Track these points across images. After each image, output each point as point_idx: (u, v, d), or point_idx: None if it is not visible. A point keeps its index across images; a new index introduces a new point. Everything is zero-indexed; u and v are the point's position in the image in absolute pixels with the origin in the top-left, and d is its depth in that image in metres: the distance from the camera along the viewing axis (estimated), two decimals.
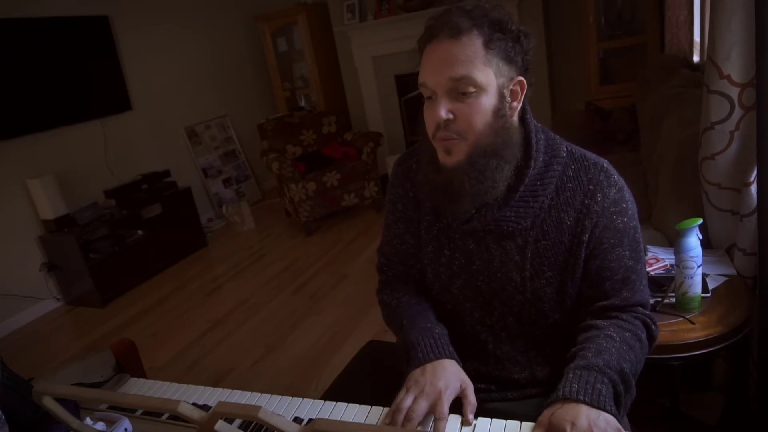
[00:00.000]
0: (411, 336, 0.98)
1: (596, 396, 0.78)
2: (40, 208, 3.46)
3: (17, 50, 3.39)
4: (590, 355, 0.86)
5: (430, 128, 0.93)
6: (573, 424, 0.75)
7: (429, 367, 0.91)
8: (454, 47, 0.86)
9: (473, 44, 0.86)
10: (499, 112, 0.89)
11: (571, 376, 0.83)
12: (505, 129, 0.91)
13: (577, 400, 0.78)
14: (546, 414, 0.80)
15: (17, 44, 3.39)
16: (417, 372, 0.91)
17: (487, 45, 0.86)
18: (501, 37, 0.87)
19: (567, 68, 4.39)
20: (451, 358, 0.94)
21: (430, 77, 0.89)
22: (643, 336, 0.93)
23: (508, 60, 0.88)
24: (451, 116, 0.88)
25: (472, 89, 0.86)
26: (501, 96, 0.89)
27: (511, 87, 0.90)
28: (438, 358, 0.93)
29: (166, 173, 4.13)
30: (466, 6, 0.89)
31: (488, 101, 0.88)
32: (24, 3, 3.45)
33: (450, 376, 0.90)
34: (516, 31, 0.89)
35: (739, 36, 1.32)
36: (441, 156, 0.93)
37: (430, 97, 0.91)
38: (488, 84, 0.87)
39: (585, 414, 0.76)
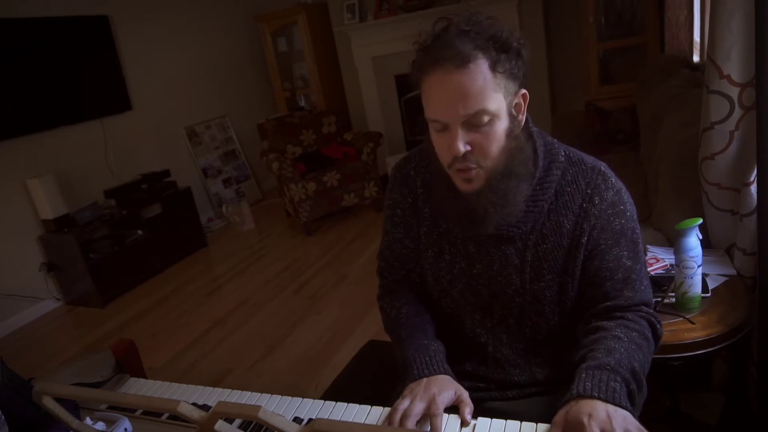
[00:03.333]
0: (408, 352, 0.99)
1: (611, 393, 0.78)
2: (40, 208, 3.46)
3: (17, 50, 3.39)
4: (600, 355, 0.85)
5: (444, 158, 0.91)
6: (591, 416, 0.74)
7: (424, 381, 0.92)
8: (464, 78, 0.82)
9: (481, 72, 0.82)
10: (511, 133, 0.89)
11: (584, 375, 0.82)
12: (518, 147, 0.91)
13: (592, 397, 0.77)
14: (561, 413, 0.79)
15: (17, 44, 3.39)
16: (412, 384, 0.92)
17: (494, 68, 0.83)
18: (505, 57, 0.84)
19: (567, 68, 4.39)
20: (446, 374, 0.95)
21: (442, 113, 0.86)
22: (650, 335, 0.93)
23: (514, 77, 0.86)
24: (468, 148, 0.86)
25: (486, 119, 0.85)
26: (511, 116, 0.89)
27: (515, 101, 0.89)
28: (433, 375, 0.93)
29: (166, 173, 4.13)
30: (463, 25, 0.85)
31: (501, 126, 0.87)
32: (24, 3, 3.45)
33: (443, 385, 0.91)
34: (517, 46, 0.86)
35: (739, 36, 1.32)
36: (460, 184, 0.92)
37: (442, 129, 0.88)
38: (500, 109, 0.86)
39: (602, 407, 0.75)
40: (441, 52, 0.83)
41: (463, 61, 0.82)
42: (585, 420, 0.74)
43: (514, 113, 0.89)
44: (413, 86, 0.92)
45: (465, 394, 0.90)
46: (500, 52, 0.84)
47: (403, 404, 0.87)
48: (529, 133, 0.95)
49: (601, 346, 0.87)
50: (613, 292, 0.94)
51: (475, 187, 0.91)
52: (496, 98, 0.85)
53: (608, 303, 0.94)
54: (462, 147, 0.85)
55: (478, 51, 0.83)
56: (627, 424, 0.74)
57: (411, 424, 0.83)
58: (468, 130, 0.86)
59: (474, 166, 0.88)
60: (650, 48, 3.71)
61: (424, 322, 1.06)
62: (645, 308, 0.96)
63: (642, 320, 0.93)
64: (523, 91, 0.90)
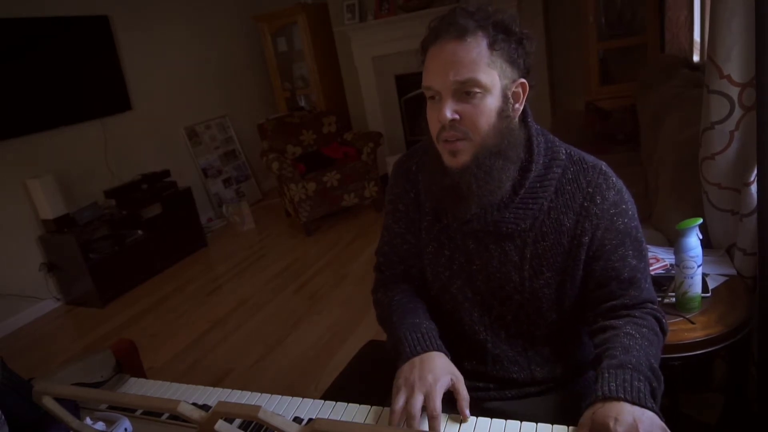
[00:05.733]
0: (399, 331, 0.98)
1: (636, 393, 0.77)
2: (40, 208, 3.46)
3: (17, 50, 3.39)
4: (619, 353, 0.85)
5: (434, 129, 0.92)
6: (617, 420, 0.73)
7: (417, 360, 0.91)
8: (460, 48, 0.86)
9: (478, 45, 0.86)
10: (503, 113, 0.90)
11: (607, 375, 0.81)
12: (509, 130, 0.92)
13: (618, 398, 0.77)
14: (587, 414, 0.78)
15: (17, 44, 3.39)
16: (406, 368, 0.91)
17: (492, 46, 0.86)
18: (505, 38, 0.87)
19: (567, 68, 4.39)
20: (439, 350, 0.94)
21: (435, 79, 0.88)
22: (658, 330, 0.93)
23: (511, 62, 0.89)
24: (456, 117, 0.88)
25: (477, 90, 0.86)
26: (505, 97, 0.90)
27: (513, 89, 0.90)
28: (425, 351, 0.93)
29: (166, 173, 4.13)
30: (469, 8, 0.88)
31: (493, 102, 0.88)
32: (24, 3, 3.45)
33: (438, 369, 0.89)
34: (519, 34, 0.89)
35: (739, 36, 1.32)
36: (446, 159, 0.93)
37: (433, 98, 0.91)
38: (493, 85, 0.87)
39: (629, 410, 0.75)
40: (444, 28, 0.88)
41: (461, 33, 0.86)
42: (611, 424, 0.73)
43: (510, 98, 0.91)
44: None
45: (460, 382, 0.89)
46: (500, 33, 0.87)
47: (400, 402, 0.85)
48: (526, 123, 0.96)
49: (617, 344, 0.87)
50: (619, 291, 0.94)
51: (461, 161, 0.91)
52: (490, 74, 0.87)
53: (614, 302, 0.94)
54: (449, 114, 0.87)
55: (478, 29, 0.86)
56: (653, 427, 0.73)
57: (417, 425, 0.82)
58: (458, 100, 0.88)
59: (460, 135, 0.89)
60: (650, 48, 3.71)
61: (417, 307, 1.05)
62: (650, 305, 0.96)
63: (648, 316, 0.93)
64: (522, 80, 0.91)
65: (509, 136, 0.92)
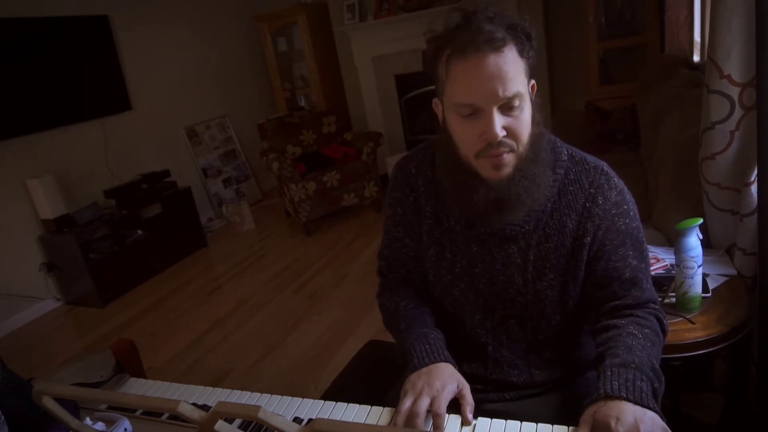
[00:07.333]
0: (407, 342, 0.99)
1: (638, 393, 0.77)
2: (40, 208, 3.46)
3: (17, 50, 3.39)
4: (621, 352, 0.84)
5: (474, 146, 0.88)
6: (618, 419, 0.73)
7: (425, 370, 0.92)
8: (501, 62, 0.83)
9: (514, 56, 0.84)
10: (534, 119, 0.90)
11: (609, 374, 0.81)
12: (540, 134, 0.92)
13: (620, 397, 0.77)
14: (589, 412, 0.78)
15: (17, 44, 3.39)
16: (413, 376, 0.92)
17: (521, 54, 0.85)
18: (530, 45, 0.87)
19: (567, 68, 4.39)
20: (447, 361, 0.94)
21: (478, 96, 0.84)
22: (659, 330, 0.93)
23: (530, 66, 0.89)
24: (504, 132, 0.86)
25: (518, 102, 0.85)
26: (532, 103, 0.90)
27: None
28: (433, 363, 0.93)
29: (166, 173, 4.13)
30: (488, 12, 0.86)
31: (528, 111, 0.88)
32: (24, 3, 3.45)
33: (446, 377, 0.90)
34: (533, 38, 0.88)
35: (739, 36, 1.32)
36: (488, 172, 0.90)
37: (470, 114, 0.87)
38: (527, 94, 0.87)
39: (630, 410, 0.75)
40: (475, 37, 0.83)
41: (499, 45, 0.83)
42: (613, 423, 0.73)
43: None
44: (429, 74, 0.91)
45: (466, 388, 0.90)
46: (527, 40, 0.86)
47: (406, 404, 0.86)
48: None
49: (620, 344, 0.87)
50: (621, 291, 0.94)
51: (504, 174, 0.89)
52: (524, 83, 0.86)
53: (617, 302, 0.94)
54: (500, 131, 0.85)
55: (508, 37, 0.84)
56: (655, 428, 0.73)
57: (421, 423, 0.83)
58: (502, 114, 0.86)
59: (507, 150, 0.87)
60: (650, 48, 3.71)
61: (423, 314, 1.05)
62: (652, 305, 0.96)
63: (651, 317, 0.93)
64: (533, 81, 0.91)
65: (541, 141, 0.92)
